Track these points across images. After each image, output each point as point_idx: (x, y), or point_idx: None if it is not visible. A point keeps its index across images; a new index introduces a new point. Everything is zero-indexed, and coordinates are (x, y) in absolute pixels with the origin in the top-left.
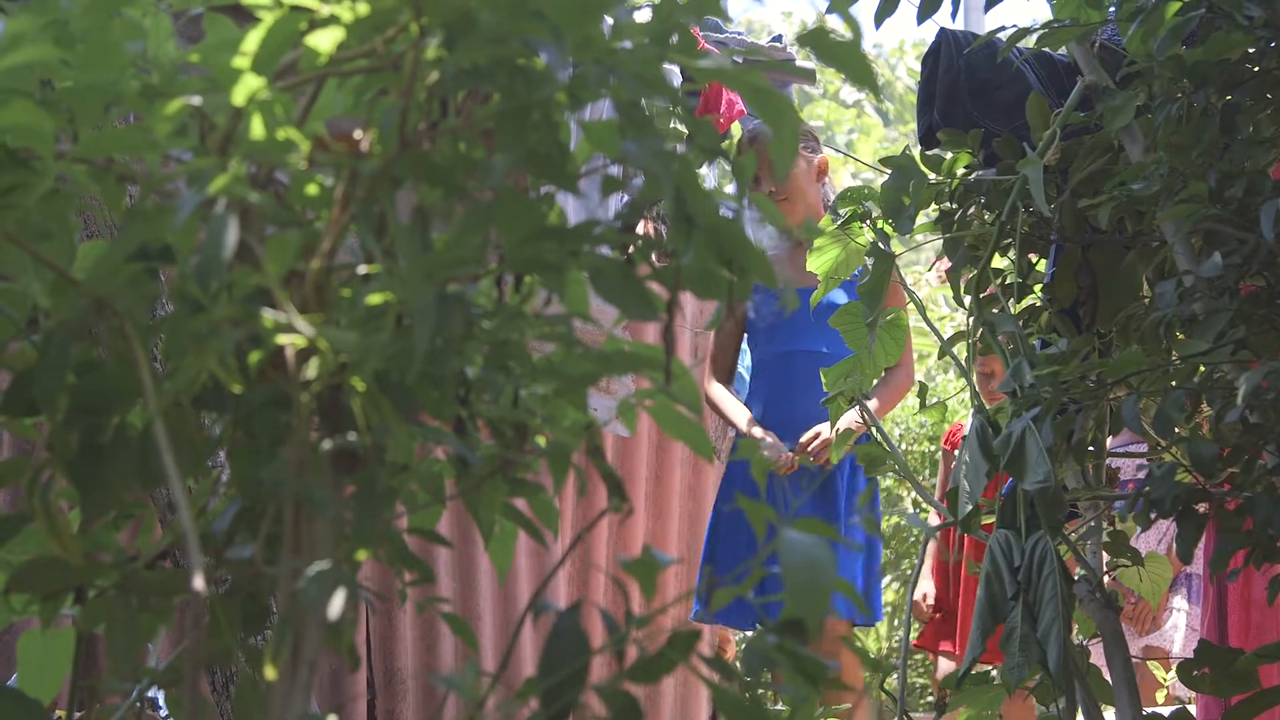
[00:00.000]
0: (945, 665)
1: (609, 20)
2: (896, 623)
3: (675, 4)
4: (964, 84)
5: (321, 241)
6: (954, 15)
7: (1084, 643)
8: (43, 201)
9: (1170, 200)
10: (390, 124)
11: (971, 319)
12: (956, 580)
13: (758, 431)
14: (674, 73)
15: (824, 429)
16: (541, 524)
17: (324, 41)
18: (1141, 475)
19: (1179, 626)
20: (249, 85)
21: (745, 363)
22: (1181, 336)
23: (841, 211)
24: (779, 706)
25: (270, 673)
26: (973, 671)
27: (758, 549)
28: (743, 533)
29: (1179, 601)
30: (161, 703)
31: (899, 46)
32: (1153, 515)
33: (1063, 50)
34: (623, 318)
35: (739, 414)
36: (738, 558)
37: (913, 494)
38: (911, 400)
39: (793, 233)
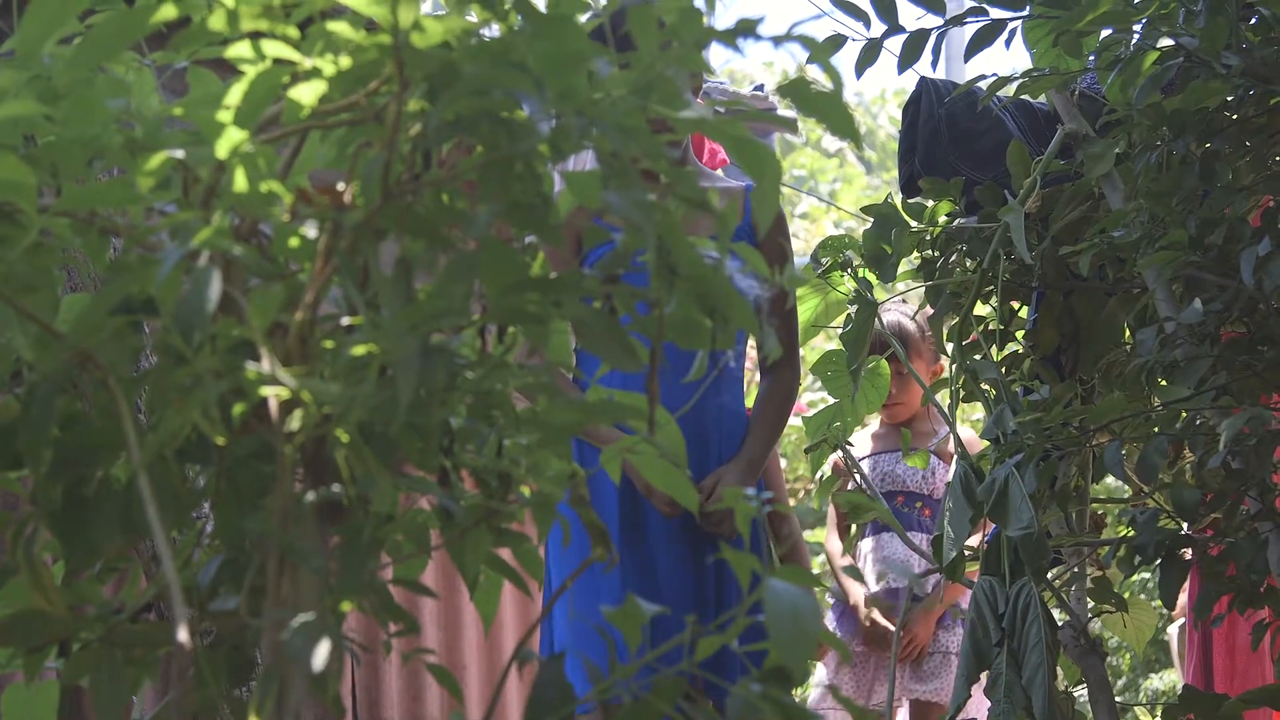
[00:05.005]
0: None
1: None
2: None
3: (656, 55)
4: (945, 132)
5: (305, 293)
6: (934, 64)
7: (1069, 689)
8: (26, 255)
9: (1151, 247)
10: (373, 176)
11: (954, 366)
12: None
13: None
14: None
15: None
16: (526, 574)
17: (307, 94)
18: None
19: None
20: (232, 138)
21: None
22: (1163, 383)
23: (823, 260)
24: None
25: None
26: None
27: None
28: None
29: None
30: None
31: (880, 95)
32: (1136, 561)
33: (1043, 98)
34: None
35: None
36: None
37: None
38: None
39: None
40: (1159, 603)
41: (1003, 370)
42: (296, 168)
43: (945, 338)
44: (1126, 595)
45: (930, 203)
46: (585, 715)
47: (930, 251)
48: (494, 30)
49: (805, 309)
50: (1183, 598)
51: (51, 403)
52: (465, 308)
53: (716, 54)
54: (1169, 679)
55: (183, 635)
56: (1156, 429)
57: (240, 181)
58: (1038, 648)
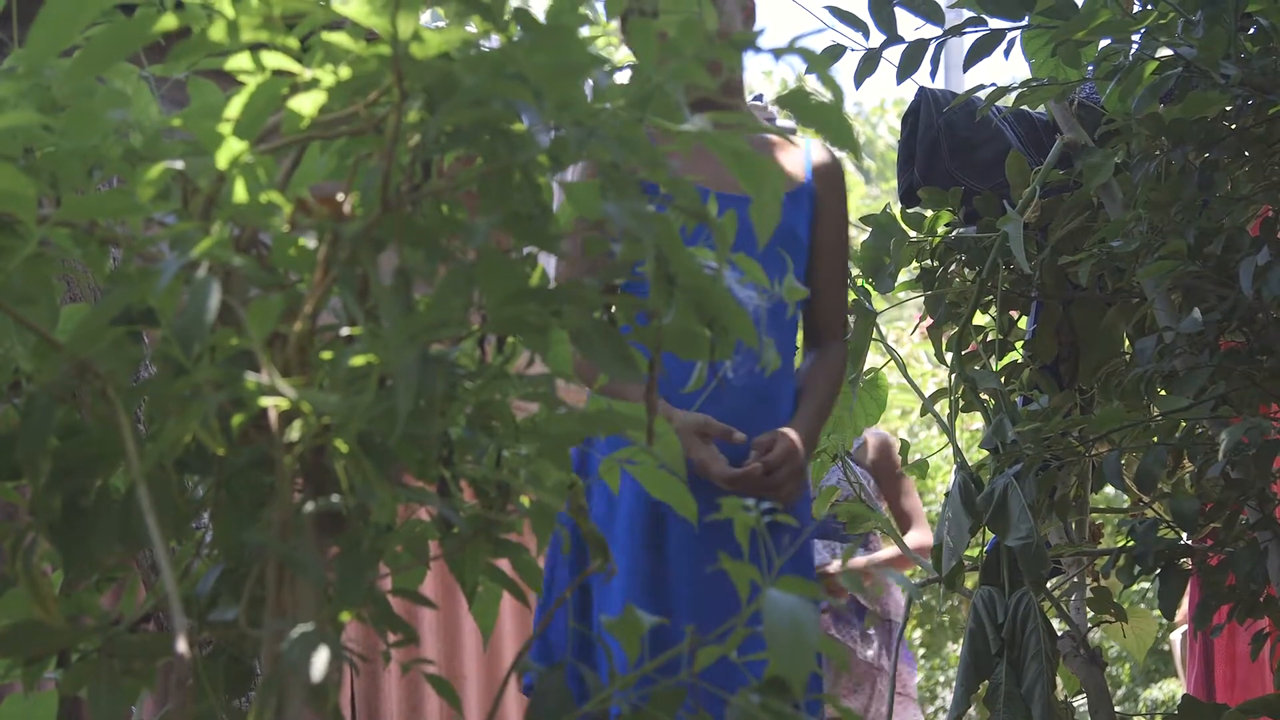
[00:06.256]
0: None
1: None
2: None
3: (654, 67)
4: (944, 142)
5: (304, 304)
6: (933, 74)
7: (1068, 699)
8: (25, 265)
9: (1150, 257)
10: (372, 186)
11: (953, 376)
12: None
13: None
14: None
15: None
16: (525, 584)
17: (306, 105)
18: None
19: (884, 694)
20: (232, 149)
21: None
22: (1162, 392)
23: None
24: None
25: None
26: None
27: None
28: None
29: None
30: None
31: (880, 105)
32: (1136, 571)
33: (1041, 108)
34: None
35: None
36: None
37: None
38: None
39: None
40: (1158, 612)
41: (1002, 380)
42: (296, 178)
43: (944, 347)
44: (1126, 605)
45: (929, 212)
46: None
47: (929, 261)
48: (493, 41)
49: None
50: (1186, 605)
51: (50, 413)
52: (464, 318)
53: None
54: (1168, 689)
55: (181, 645)
56: (1155, 438)
57: (240, 192)
58: (1037, 657)
